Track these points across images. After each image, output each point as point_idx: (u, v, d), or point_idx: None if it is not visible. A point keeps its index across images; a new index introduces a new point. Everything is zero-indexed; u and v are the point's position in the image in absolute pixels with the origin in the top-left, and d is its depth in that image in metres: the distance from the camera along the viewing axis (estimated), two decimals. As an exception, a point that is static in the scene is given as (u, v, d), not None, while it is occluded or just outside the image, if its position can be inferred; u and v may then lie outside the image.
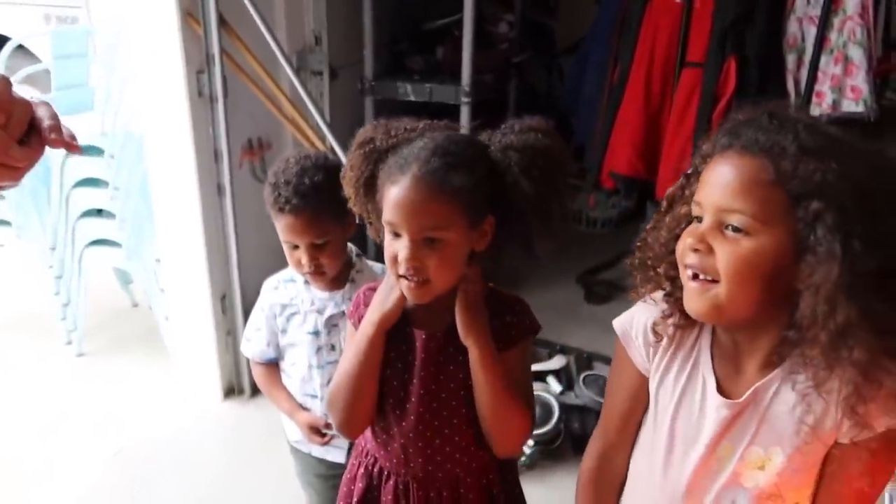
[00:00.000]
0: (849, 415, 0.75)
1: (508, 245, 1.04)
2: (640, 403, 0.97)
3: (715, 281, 0.78)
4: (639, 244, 0.92)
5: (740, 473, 0.86)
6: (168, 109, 2.26)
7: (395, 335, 1.08)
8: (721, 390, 0.86)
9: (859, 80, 2.47)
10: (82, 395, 2.65)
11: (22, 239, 3.08)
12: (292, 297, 1.45)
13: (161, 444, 2.38)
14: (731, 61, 2.45)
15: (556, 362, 2.53)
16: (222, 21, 2.16)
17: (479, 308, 1.02)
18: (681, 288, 0.84)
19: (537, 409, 2.26)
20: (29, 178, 0.71)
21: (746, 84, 2.42)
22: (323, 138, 2.32)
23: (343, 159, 1.33)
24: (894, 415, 0.76)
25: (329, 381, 1.41)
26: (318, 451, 1.52)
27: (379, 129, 1.03)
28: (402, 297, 1.03)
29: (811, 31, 2.42)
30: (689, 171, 0.86)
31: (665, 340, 0.90)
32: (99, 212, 2.77)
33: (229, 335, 2.51)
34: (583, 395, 2.38)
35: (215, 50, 2.18)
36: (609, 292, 2.93)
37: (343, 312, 1.40)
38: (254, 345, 1.51)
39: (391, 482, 1.14)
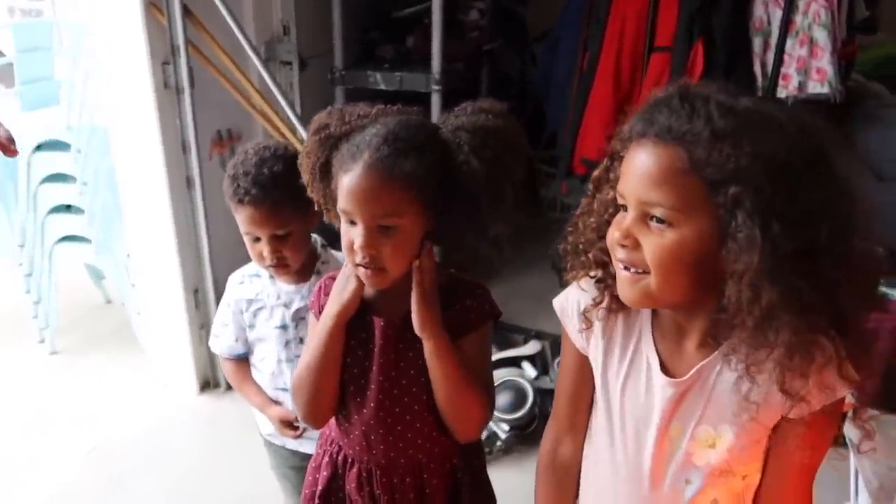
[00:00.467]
0: (783, 392, 0.76)
1: (463, 229, 1.03)
2: (585, 383, 0.97)
3: (646, 272, 0.78)
4: (570, 229, 0.92)
5: (692, 453, 0.87)
6: (134, 101, 2.23)
7: (354, 323, 1.08)
8: (665, 369, 0.87)
9: (824, 61, 2.50)
10: (56, 394, 2.63)
11: (-11, 237, 3.04)
12: (258, 292, 1.44)
13: (136, 441, 2.37)
14: (698, 45, 2.47)
15: (531, 348, 2.55)
16: (187, 11, 2.13)
17: (433, 300, 1.01)
18: (612, 275, 0.84)
19: (511, 396, 2.29)
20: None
21: (714, 67, 2.44)
22: (293, 129, 2.30)
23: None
24: (827, 390, 0.78)
25: (300, 375, 1.42)
26: (292, 444, 1.51)
27: (334, 115, 1.03)
28: (360, 288, 1.03)
29: (777, 14, 2.45)
30: (612, 154, 0.85)
31: (604, 322, 0.89)
32: (67, 208, 2.74)
33: (203, 329, 2.49)
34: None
35: (180, 41, 2.15)
36: (584, 278, 2.95)
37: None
38: (222, 341, 1.50)
39: (355, 469, 1.15)
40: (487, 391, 1.09)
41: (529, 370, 2.48)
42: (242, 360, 1.52)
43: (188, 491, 2.13)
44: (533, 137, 3.62)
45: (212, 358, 2.55)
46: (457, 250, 1.07)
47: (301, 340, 1.43)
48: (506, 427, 2.24)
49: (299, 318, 1.42)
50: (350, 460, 1.16)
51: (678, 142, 0.73)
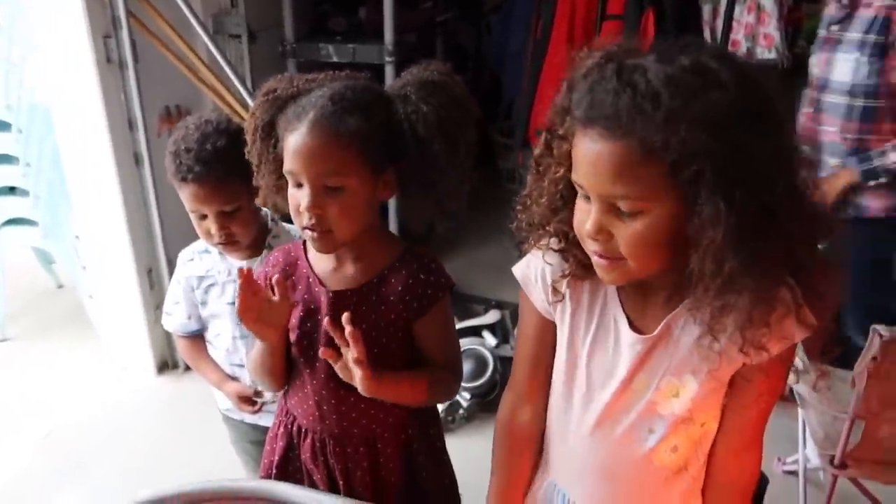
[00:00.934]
0: (745, 346, 0.79)
1: (422, 189, 1.03)
2: (545, 349, 0.97)
3: (622, 258, 0.78)
4: (520, 207, 0.90)
5: (657, 402, 0.89)
6: (75, 78, 2.16)
7: (302, 294, 1.08)
8: (633, 327, 0.88)
9: (771, 28, 2.55)
10: (9, 381, 2.56)
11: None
12: (208, 269, 1.41)
13: (94, 424, 2.33)
14: (649, 13, 2.49)
15: (491, 317, 2.58)
16: (127, -18, 2.06)
17: (378, 388, 0.99)
18: (575, 243, 0.84)
19: (473, 364, 2.31)
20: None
21: (664, 35, 2.46)
22: (244, 104, 2.26)
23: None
24: (785, 339, 0.81)
25: (255, 350, 1.41)
26: (250, 419, 1.50)
27: (283, 80, 1.02)
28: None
29: (725, -18, 2.48)
30: (550, 129, 0.82)
31: (571, 289, 0.90)
32: (11, 190, 2.65)
33: (158, 309, 2.44)
34: (517, 347, 2.44)
35: (121, 13, 2.08)
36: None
37: None
38: (174, 319, 1.48)
39: (308, 440, 1.15)
40: (454, 366, 1.12)
41: (490, 339, 2.51)
42: (197, 338, 1.50)
43: (149, 470, 2.11)
44: (490, 110, 3.62)
45: (169, 339, 2.51)
46: (417, 215, 1.07)
47: (255, 316, 1.42)
48: (467, 395, 2.27)
49: None
50: (304, 430, 1.16)
51: (629, 134, 0.70)
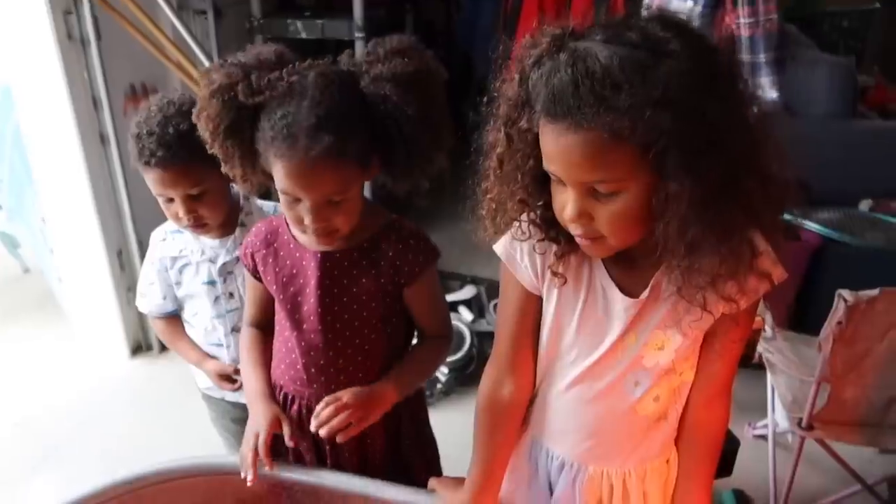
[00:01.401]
0: (717, 300, 0.83)
1: (401, 171, 1.05)
2: (529, 323, 0.99)
3: (602, 237, 0.80)
4: (487, 210, 0.89)
5: (643, 356, 0.93)
6: (36, 55, 2.10)
7: (288, 257, 1.10)
8: (623, 291, 0.90)
9: (739, 1, 2.56)
10: (-24, 369, 2.52)
11: None
12: (181, 249, 1.39)
13: (67, 410, 2.30)
14: (618, -16, 2.49)
15: (467, 292, 2.61)
16: (87, -44, 2.01)
17: (395, 395, 1.11)
18: (557, 224, 0.85)
19: (449, 339, 2.33)
20: None
21: (636, 4, 2.46)
22: (212, 81, 2.21)
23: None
24: (751, 293, 0.85)
25: (233, 329, 1.40)
26: (231, 396, 1.50)
27: (233, 75, 0.97)
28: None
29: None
30: (508, 120, 0.81)
31: (553, 261, 0.91)
32: (-28, 173, 2.57)
33: (130, 291, 2.42)
34: (494, 321, 2.45)
35: (82, -12, 2.02)
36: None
37: (237, 259, 1.34)
38: (149, 300, 1.46)
39: (295, 406, 1.17)
40: (446, 332, 1.19)
41: (466, 314, 2.53)
42: (173, 318, 1.48)
43: (126, 454, 2.09)
44: (462, 87, 3.60)
45: (143, 321, 2.48)
46: (400, 184, 1.08)
47: (231, 295, 1.40)
48: (445, 370, 2.29)
49: (226, 272, 1.39)
50: (291, 397, 1.17)
51: (595, 124, 0.71)
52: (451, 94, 1.07)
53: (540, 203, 0.85)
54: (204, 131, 1.02)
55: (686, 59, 0.70)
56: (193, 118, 1.04)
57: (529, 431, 1.06)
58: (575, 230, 0.81)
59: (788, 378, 1.78)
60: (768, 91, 2.00)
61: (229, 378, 1.42)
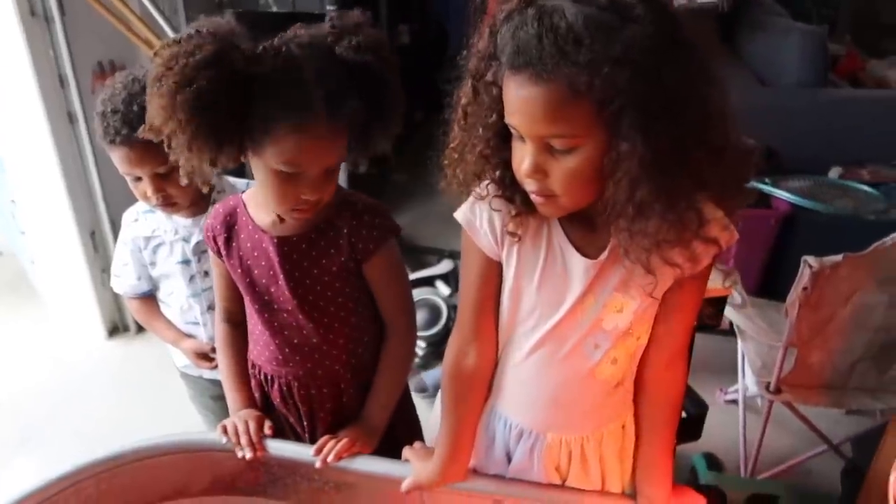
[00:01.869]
0: (663, 267, 0.84)
1: (373, 135, 1.04)
2: (491, 289, 0.99)
3: (555, 195, 0.82)
4: (450, 162, 0.91)
5: (602, 318, 0.94)
6: (-2, 32, 2.05)
7: (247, 239, 1.10)
8: (582, 253, 0.91)
9: (710, -30, 2.56)
10: (-50, 353, 2.49)
11: None
12: (154, 229, 1.38)
13: (44, 392, 2.30)
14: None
15: (444, 266, 2.62)
16: (47, -71, 1.95)
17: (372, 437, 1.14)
18: (515, 184, 0.86)
19: (427, 313, 2.35)
20: None
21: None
22: (181, 57, 2.18)
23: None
24: (697, 259, 0.86)
25: (209, 307, 1.40)
26: (209, 374, 1.49)
27: (218, 40, 0.91)
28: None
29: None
30: (476, 75, 0.83)
31: (508, 219, 0.92)
32: (-62, 154, 2.52)
33: (104, 272, 2.40)
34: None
35: (43, -38, 1.97)
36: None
37: None
38: (123, 280, 1.45)
39: (276, 385, 1.18)
40: (406, 320, 1.17)
41: (443, 288, 2.55)
42: (149, 298, 1.48)
43: (106, 434, 2.09)
44: (436, 59, 3.58)
45: (118, 302, 2.47)
46: (375, 149, 1.06)
47: (206, 274, 1.40)
48: (422, 344, 2.31)
49: (200, 251, 1.37)
50: (270, 377, 1.19)
51: (555, 77, 0.73)
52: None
53: (500, 161, 0.86)
54: (171, 109, 0.92)
55: (649, 23, 0.72)
56: (151, 95, 0.95)
57: (490, 400, 1.07)
58: (530, 186, 0.83)
59: (757, 344, 1.82)
60: None
61: (206, 356, 1.42)
